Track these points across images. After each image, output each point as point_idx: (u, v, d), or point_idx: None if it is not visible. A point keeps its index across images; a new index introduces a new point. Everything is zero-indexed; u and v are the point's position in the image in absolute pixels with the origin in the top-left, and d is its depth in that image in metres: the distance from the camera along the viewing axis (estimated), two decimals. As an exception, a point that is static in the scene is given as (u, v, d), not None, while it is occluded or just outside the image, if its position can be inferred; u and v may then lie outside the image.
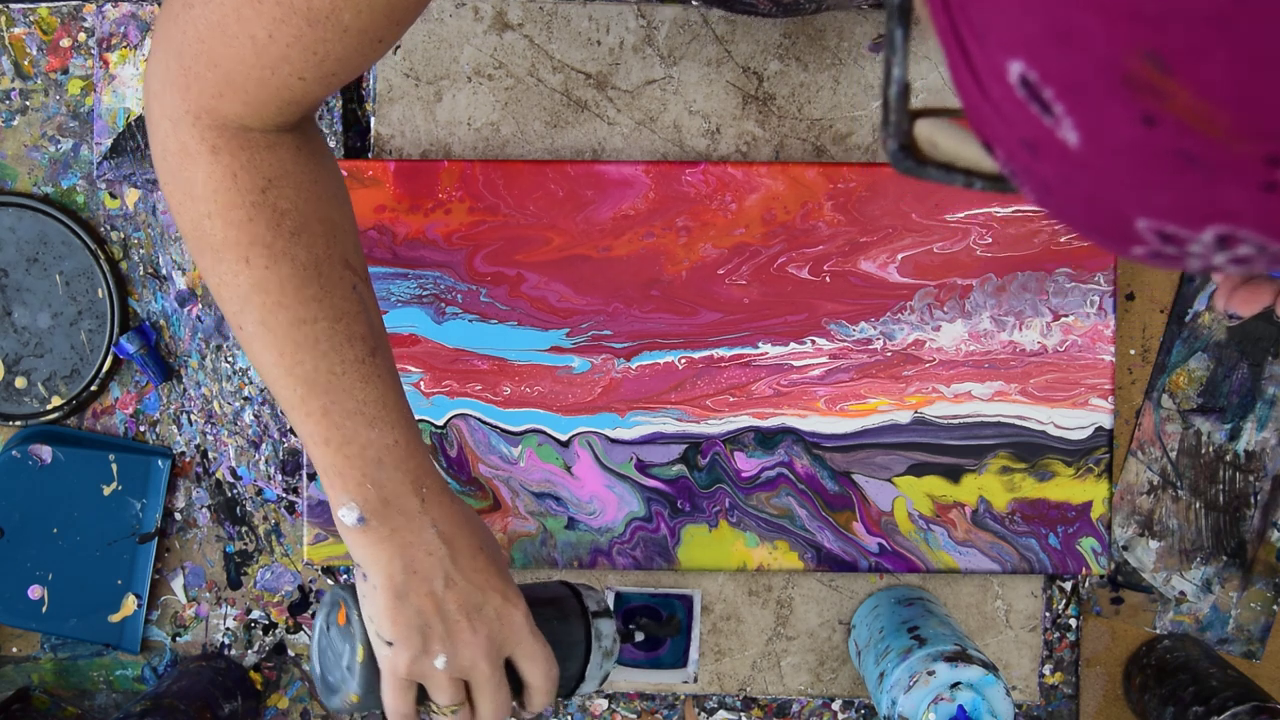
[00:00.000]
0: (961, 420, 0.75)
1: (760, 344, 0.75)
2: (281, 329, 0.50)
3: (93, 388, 0.79)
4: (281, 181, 0.51)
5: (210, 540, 0.81)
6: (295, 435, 0.79)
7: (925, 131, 0.28)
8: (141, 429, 0.80)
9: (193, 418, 0.80)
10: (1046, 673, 0.81)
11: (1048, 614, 0.80)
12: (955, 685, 0.65)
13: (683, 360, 0.75)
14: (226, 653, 0.81)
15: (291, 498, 0.80)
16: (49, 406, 0.79)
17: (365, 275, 0.53)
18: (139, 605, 0.79)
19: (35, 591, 0.79)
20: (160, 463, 0.79)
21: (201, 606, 0.81)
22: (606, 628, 0.58)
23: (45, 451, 0.78)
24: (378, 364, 0.52)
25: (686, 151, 0.77)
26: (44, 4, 0.79)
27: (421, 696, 0.53)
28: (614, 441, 0.75)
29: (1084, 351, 0.74)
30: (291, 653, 0.81)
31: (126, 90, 0.78)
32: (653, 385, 0.75)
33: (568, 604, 0.58)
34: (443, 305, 0.75)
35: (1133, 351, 0.80)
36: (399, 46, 0.77)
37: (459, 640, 0.51)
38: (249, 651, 0.81)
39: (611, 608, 0.64)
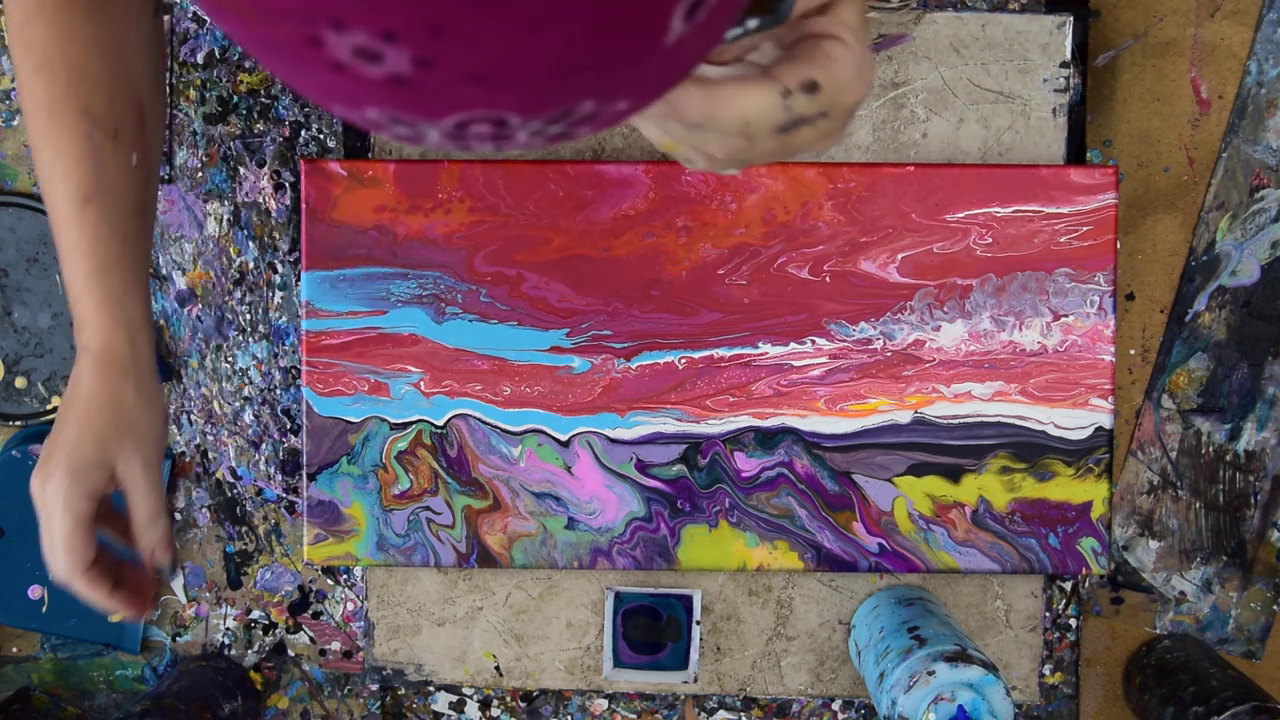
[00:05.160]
0: (961, 420, 0.75)
1: (760, 344, 0.75)
2: (31, 139, 0.54)
3: (93, 388, 0.79)
4: (37, 19, 0.53)
5: (210, 540, 0.81)
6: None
7: None
8: (141, 429, 0.80)
9: (193, 418, 0.80)
10: (1046, 673, 0.81)
11: (1048, 614, 0.80)
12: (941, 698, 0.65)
13: (683, 360, 0.75)
14: (226, 653, 0.81)
15: (291, 498, 0.80)
16: (49, 406, 0.79)
17: (113, 129, 0.54)
18: (139, 605, 0.79)
19: (35, 591, 0.79)
20: (160, 463, 0.79)
21: (201, 606, 0.81)
22: None
23: (45, 451, 0.78)
24: (87, 214, 0.53)
25: (686, 151, 0.77)
26: (44, 4, 0.79)
27: None
28: (614, 441, 0.75)
29: (1084, 351, 0.74)
30: (291, 653, 0.81)
31: (126, 90, 0.78)
32: (653, 385, 0.75)
33: None
34: (443, 305, 0.75)
35: (1133, 351, 0.80)
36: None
37: None
38: (249, 651, 0.81)
39: None
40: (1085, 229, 0.74)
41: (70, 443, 0.53)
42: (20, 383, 0.79)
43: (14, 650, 0.82)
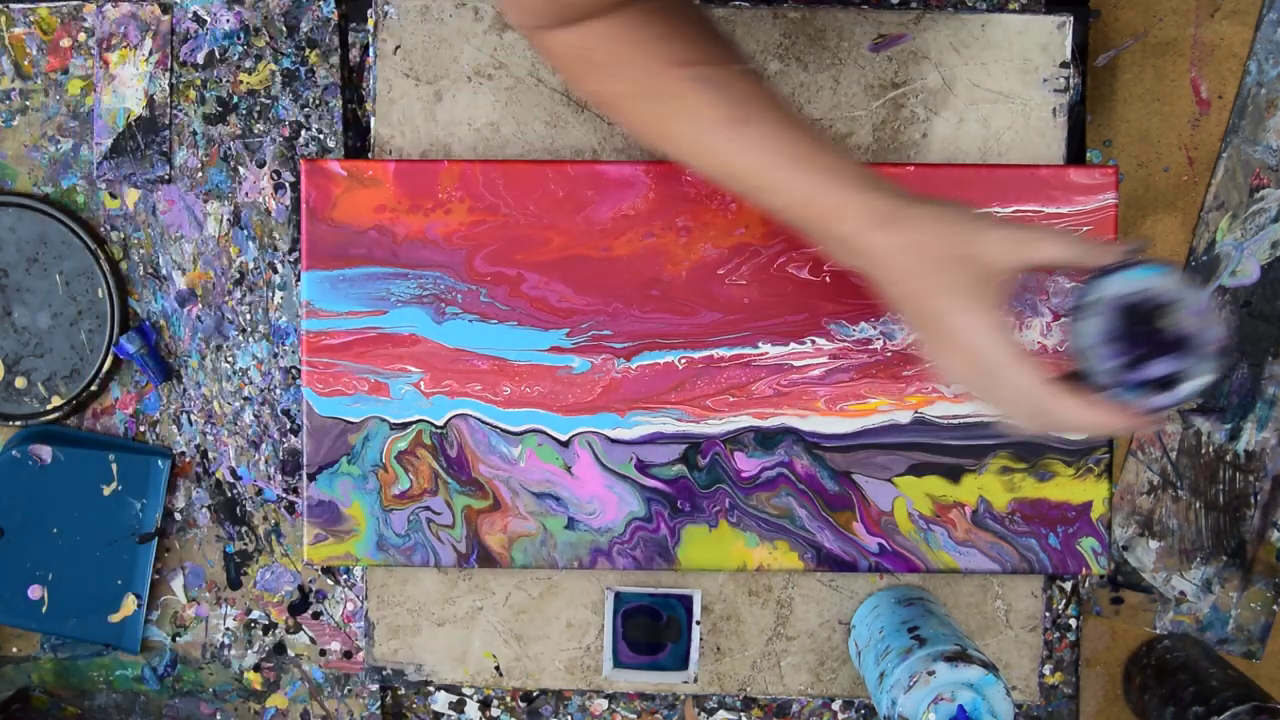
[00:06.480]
0: (961, 420, 0.75)
1: (760, 344, 0.75)
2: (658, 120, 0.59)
3: (93, 388, 0.79)
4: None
5: (210, 540, 0.81)
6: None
7: None
8: (141, 429, 0.80)
9: (193, 418, 0.80)
10: (1046, 673, 0.81)
11: (1048, 614, 0.80)
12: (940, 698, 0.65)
13: (683, 360, 0.75)
14: (226, 653, 0.81)
15: (291, 498, 0.80)
16: (49, 406, 0.79)
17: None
18: (139, 605, 0.79)
19: (35, 591, 0.79)
20: (160, 463, 0.79)
21: (201, 606, 0.81)
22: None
23: (45, 451, 0.78)
24: (749, 133, 0.56)
25: (686, 151, 0.77)
26: (44, 4, 0.79)
27: None
28: (614, 441, 0.75)
29: (1084, 351, 0.74)
30: (291, 653, 0.81)
31: (126, 90, 0.78)
32: (653, 385, 0.75)
33: None
34: (443, 305, 0.75)
35: (1133, 351, 0.80)
36: (399, 46, 0.77)
37: None
38: (249, 651, 0.81)
39: None
40: (1085, 229, 0.74)
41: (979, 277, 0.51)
42: (20, 383, 0.79)
43: (14, 650, 0.82)
